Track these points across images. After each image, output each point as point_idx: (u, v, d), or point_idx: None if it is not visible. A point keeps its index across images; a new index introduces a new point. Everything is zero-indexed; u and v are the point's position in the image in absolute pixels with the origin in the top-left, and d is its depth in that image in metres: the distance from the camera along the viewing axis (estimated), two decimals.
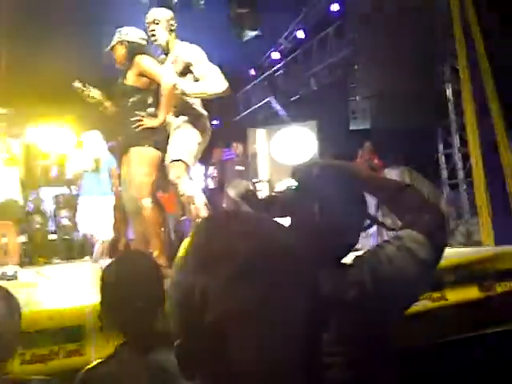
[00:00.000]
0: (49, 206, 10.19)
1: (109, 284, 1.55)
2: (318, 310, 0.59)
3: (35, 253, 8.71)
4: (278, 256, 0.59)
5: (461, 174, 7.15)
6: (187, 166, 3.92)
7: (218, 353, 0.56)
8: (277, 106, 10.31)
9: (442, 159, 7.51)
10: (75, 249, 9.14)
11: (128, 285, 1.51)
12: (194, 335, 0.58)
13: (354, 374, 1.28)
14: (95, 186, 6.07)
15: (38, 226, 9.18)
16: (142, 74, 4.02)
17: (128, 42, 4.08)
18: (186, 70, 4.13)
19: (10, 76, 8.30)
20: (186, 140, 4.02)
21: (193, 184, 3.97)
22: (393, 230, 1.42)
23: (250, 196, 1.93)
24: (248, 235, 0.60)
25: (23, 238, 8.45)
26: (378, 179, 1.55)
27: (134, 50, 4.07)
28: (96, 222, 5.94)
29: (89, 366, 1.51)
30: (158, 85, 3.98)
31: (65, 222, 9.54)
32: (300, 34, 9.58)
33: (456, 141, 7.23)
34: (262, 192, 8.41)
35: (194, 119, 4.13)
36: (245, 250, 0.58)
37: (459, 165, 7.19)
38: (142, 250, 1.77)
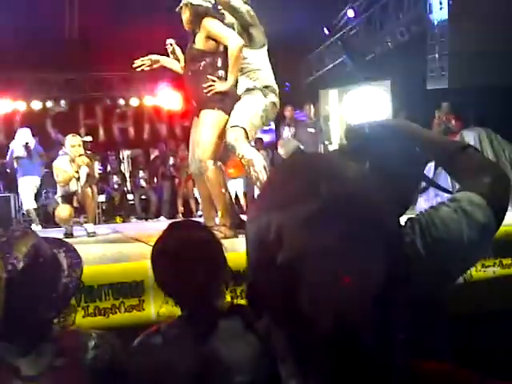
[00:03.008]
0: (126, 167, 10.60)
1: (159, 254, 1.52)
2: (390, 263, 0.58)
3: (113, 211, 9.11)
4: (357, 202, 0.58)
5: None
6: (246, 132, 3.92)
7: (289, 294, 0.55)
8: (351, 66, 10.02)
9: None
10: (151, 209, 9.47)
11: (179, 256, 1.46)
12: (267, 274, 0.58)
13: (404, 337, 1.25)
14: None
15: (116, 185, 9.57)
16: (209, 37, 4.04)
17: (192, 4, 4.07)
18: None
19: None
20: (248, 107, 4.04)
21: (251, 148, 4.00)
22: (450, 192, 1.35)
23: (299, 155, 1.89)
24: (330, 177, 0.59)
25: (102, 197, 8.86)
26: (435, 139, 1.48)
27: (200, 12, 4.07)
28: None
29: (146, 333, 1.51)
30: (226, 47, 3.99)
31: (142, 182, 9.88)
32: None
33: None
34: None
35: (262, 88, 4.11)
36: (326, 191, 0.57)
37: None
38: (197, 222, 1.73)
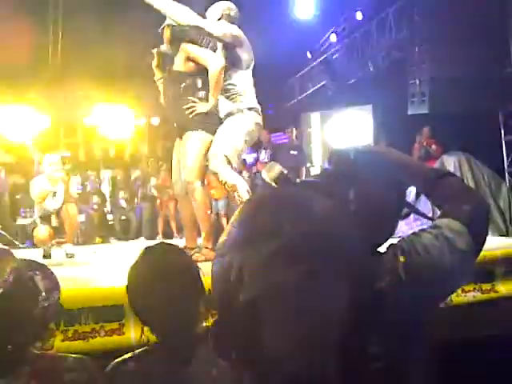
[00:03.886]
0: (106, 187, 10.51)
1: (133, 276, 1.48)
2: (356, 297, 0.56)
3: (93, 232, 8.99)
4: (320, 240, 0.56)
5: None
6: (227, 158, 3.91)
7: (251, 334, 0.54)
8: (333, 90, 10.14)
9: (504, 146, 7.17)
10: (131, 229, 9.38)
11: (152, 279, 1.41)
12: (229, 314, 0.57)
13: (385, 364, 1.24)
14: None
15: (95, 206, 9.47)
16: (189, 59, 4.06)
17: (173, 25, 4.09)
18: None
19: (72, 58, 8.54)
20: (230, 132, 4.03)
21: (233, 173, 3.99)
22: (431, 219, 1.35)
23: (283, 180, 1.89)
24: (292, 215, 0.58)
25: (82, 218, 8.76)
26: (417, 166, 1.50)
27: (177, 34, 4.09)
28: None
29: (120, 359, 1.48)
30: (206, 68, 4.00)
31: (122, 203, 9.81)
32: (358, 16, 9.37)
33: None
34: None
35: (244, 110, 4.11)
36: (288, 230, 0.55)
37: None
38: (172, 245, 1.68)
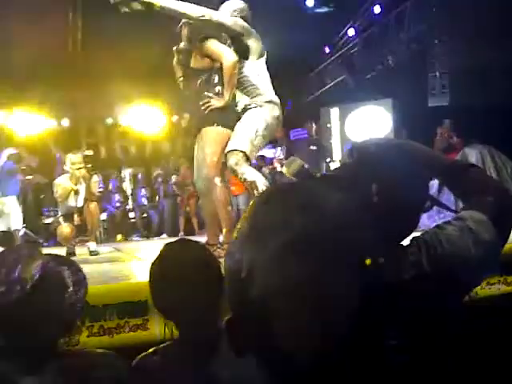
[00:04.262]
0: (128, 185, 10.59)
1: (155, 272, 1.48)
2: (369, 292, 0.55)
3: (115, 230, 9.09)
4: (333, 235, 0.55)
5: None
6: (245, 155, 3.89)
7: (264, 329, 0.54)
8: (352, 85, 10.08)
9: None
10: (153, 227, 9.45)
11: (175, 274, 1.42)
12: (241, 311, 0.57)
13: (407, 359, 1.24)
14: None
15: (117, 204, 9.56)
16: (204, 55, 4.08)
17: (190, 23, 4.10)
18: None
19: (94, 57, 8.60)
20: (248, 128, 3.98)
21: (252, 170, 3.96)
22: (454, 211, 1.34)
23: (303, 174, 1.89)
24: (305, 209, 0.57)
25: (104, 216, 8.85)
26: (439, 158, 1.48)
27: (194, 31, 4.11)
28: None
29: (145, 354, 1.48)
30: (222, 64, 4.01)
31: (143, 200, 9.88)
32: (377, 9, 9.29)
33: None
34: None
35: (262, 104, 4.08)
36: (298, 225, 0.55)
37: None
38: (194, 240, 1.67)
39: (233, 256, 0.59)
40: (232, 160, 3.89)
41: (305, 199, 0.59)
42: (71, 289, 1.40)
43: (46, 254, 1.38)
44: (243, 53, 4.07)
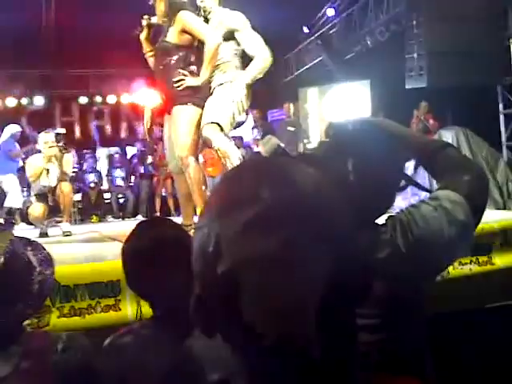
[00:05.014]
0: (103, 166, 10.46)
1: (130, 255, 1.45)
2: (343, 268, 0.53)
3: (89, 211, 8.98)
4: (304, 209, 0.53)
5: None
6: (220, 126, 3.89)
7: (231, 306, 0.52)
8: (330, 65, 10.04)
9: (502, 119, 7.13)
10: (128, 208, 9.35)
11: (149, 252, 1.40)
12: (208, 287, 0.56)
13: (381, 337, 1.23)
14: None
15: (92, 184, 9.44)
16: (184, 31, 3.97)
17: None
18: (228, 36, 4.07)
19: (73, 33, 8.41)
20: (220, 103, 3.98)
21: (226, 139, 3.96)
22: (429, 191, 1.34)
23: (278, 153, 1.86)
24: (273, 182, 0.55)
25: (78, 196, 8.73)
26: (416, 137, 1.48)
27: (174, 5, 4.00)
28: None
29: (118, 333, 1.46)
30: (200, 42, 3.94)
31: (119, 181, 9.76)
32: None
33: None
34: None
35: (235, 80, 4.07)
36: (266, 196, 0.53)
37: None
38: (167, 219, 1.65)
39: (200, 231, 0.57)
40: (207, 131, 3.89)
41: (277, 174, 0.57)
42: (38, 269, 1.36)
43: (11, 234, 1.34)
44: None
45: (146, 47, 4.30)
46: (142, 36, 4.27)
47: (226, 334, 0.58)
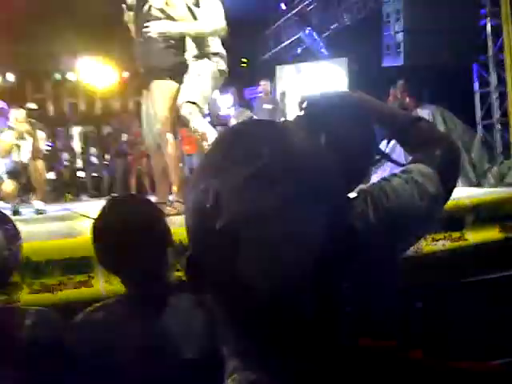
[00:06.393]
0: (77, 144, 10.31)
1: (100, 231, 1.43)
2: (332, 232, 0.54)
3: (63, 189, 8.87)
4: (299, 166, 0.54)
5: (496, 114, 6.84)
6: (198, 106, 3.88)
7: (228, 263, 0.52)
8: (308, 43, 9.97)
9: (478, 98, 7.17)
10: (103, 186, 9.26)
11: (121, 227, 1.37)
12: (204, 243, 0.55)
13: (353, 309, 1.24)
14: None
15: (66, 163, 9.31)
16: (169, 4, 3.97)
17: None
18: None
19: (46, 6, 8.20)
20: (197, 79, 3.97)
21: (204, 121, 3.97)
22: (402, 165, 1.33)
23: None
24: (272, 140, 0.56)
25: (52, 175, 8.61)
26: (389, 111, 1.47)
27: None
28: None
29: (90, 308, 1.44)
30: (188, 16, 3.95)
31: (93, 159, 9.65)
32: None
33: (493, 79, 6.88)
34: None
35: (210, 57, 4.06)
36: (265, 154, 0.53)
37: (495, 104, 6.87)
38: (137, 195, 1.64)
39: (196, 187, 0.56)
40: (185, 110, 3.88)
41: (276, 133, 0.58)
42: (4, 242, 1.33)
43: None
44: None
45: (132, 30, 4.24)
46: (126, 20, 4.21)
47: (216, 293, 0.57)
